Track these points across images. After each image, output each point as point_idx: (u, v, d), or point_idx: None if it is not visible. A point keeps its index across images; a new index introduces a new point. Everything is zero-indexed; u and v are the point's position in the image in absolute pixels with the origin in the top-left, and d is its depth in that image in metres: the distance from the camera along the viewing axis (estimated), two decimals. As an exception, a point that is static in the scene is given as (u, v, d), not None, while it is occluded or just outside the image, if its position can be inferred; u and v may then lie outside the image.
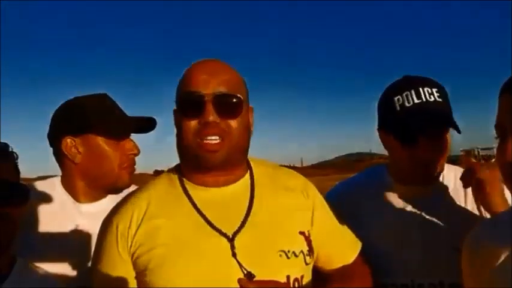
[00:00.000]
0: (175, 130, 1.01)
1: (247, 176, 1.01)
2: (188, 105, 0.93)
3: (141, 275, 0.92)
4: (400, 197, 1.25)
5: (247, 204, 0.96)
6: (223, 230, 0.92)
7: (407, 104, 1.14)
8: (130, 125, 1.28)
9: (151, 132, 1.32)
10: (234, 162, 0.96)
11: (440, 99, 1.14)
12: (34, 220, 1.20)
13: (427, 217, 1.21)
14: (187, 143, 0.94)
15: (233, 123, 0.93)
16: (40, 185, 1.27)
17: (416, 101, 1.13)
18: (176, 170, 1.03)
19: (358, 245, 1.11)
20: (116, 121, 1.26)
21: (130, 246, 0.92)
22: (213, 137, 0.91)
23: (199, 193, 0.97)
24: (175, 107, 1.00)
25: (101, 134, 1.23)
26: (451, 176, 1.26)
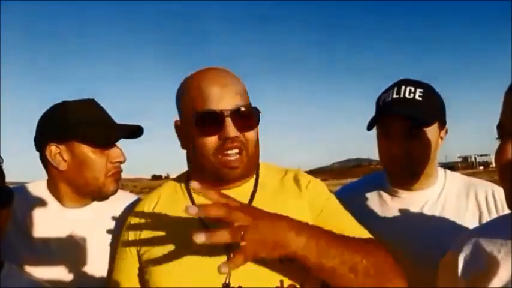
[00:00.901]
0: (179, 142, 1.02)
1: (253, 179, 1.02)
2: (207, 123, 0.92)
3: (142, 272, 0.96)
4: (398, 202, 1.25)
5: None
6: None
7: (387, 99, 1.17)
8: (116, 133, 1.25)
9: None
10: (249, 172, 0.99)
11: (420, 99, 1.14)
12: (19, 224, 1.18)
13: (426, 222, 1.20)
14: (207, 159, 0.94)
15: (250, 134, 0.95)
16: (26, 189, 1.26)
17: (394, 96, 1.16)
18: (185, 174, 1.06)
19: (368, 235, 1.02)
20: (100, 129, 1.22)
21: (138, 243, 0.97)
22: (234, 151, 0.92)
23: (201, 195, 0.98)
24: (178, 119, 1.00)
25: (86, 142, 1.20)
26: (453, 183, 1.26)
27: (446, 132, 1.23)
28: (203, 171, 0.97)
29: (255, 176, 1.03)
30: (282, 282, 0.90)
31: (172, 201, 1.01)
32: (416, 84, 1.18)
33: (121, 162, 1.26)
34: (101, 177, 1.22)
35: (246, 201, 0.97)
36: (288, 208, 0.97)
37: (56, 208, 1.24)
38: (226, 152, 0.92)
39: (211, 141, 0.92)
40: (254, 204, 0.97)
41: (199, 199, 0.97)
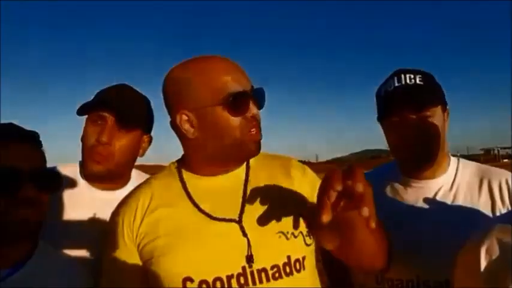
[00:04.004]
0: (185, 134, 0.98)
1: (244, 164, 1.05)
2: (238, 103, 0.95)
3: (147, 263, 0.96)
4: (410, 192, 1.25)
5: (242, 190, 1.00)
6: (227, 217, 0.95)
7: (389, 89, 1.21)
8: (87, 104, 1.24)
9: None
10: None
11: (421, 83, 1.19)
12: (53, 205, 1.18)
13: (438, 211, 1.20)
14: (234, 139, 0.96)
15: (259, 113, 1.01)
16: (61, 171, 1.28)
17: (396, 84, 1.20)
18: (177, 162, 1.07)
19: None
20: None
21: (136, 237, 0.97)
22: (255, 129, 0.98)
23: (195, 182, 1.01)
24: (185, 111, 0.97)
25: None
26: (466, 172, 1.26)
27: (448, 114, 1.26)
28: (217, 153, 0.98)
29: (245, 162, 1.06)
30: (289, 257, 0.94)
31: (167, 188, 1.02)
32: (414, 71, 1.23)
33: (100, 142, 1.20)
34: (85, 150, 1.23)
35: (241, 185, 1.01)
36: (282, 190, 1.02)
37: (86, 190, 1.28)
38: (251, 130, 0.97)
39: (239, 120, 0.97)
40: (249, 187, 1.01)
41: (191, 185, 1.01)
